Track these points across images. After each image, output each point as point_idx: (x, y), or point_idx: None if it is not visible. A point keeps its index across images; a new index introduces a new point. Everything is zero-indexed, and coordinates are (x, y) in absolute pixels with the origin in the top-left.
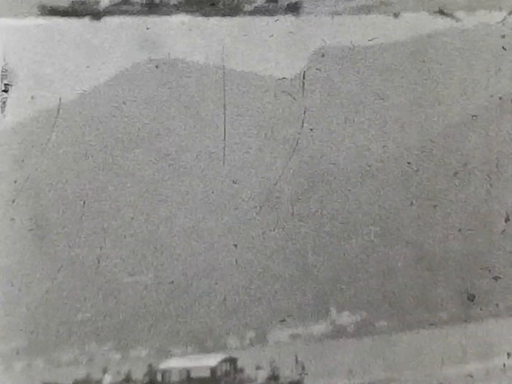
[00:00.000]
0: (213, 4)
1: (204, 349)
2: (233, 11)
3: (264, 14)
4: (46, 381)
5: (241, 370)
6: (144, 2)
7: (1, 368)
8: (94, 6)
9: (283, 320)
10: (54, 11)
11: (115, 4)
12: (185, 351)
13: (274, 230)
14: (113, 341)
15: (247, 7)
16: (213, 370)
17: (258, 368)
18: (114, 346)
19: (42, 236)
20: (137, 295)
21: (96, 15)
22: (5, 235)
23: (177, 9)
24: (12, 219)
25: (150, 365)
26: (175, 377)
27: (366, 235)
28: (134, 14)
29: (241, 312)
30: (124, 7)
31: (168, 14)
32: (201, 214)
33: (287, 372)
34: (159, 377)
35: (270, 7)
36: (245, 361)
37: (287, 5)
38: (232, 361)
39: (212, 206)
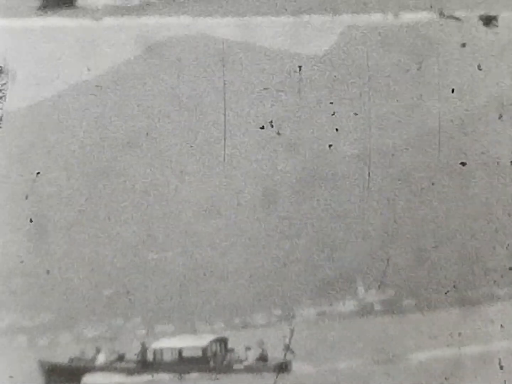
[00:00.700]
0: None
1: (230, 327)
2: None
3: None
4: (70, 356)
5: (231, 350)
6: None
7: (26, 344)
8: None
9: (310, 298)
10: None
11: None
12: (212, 328)
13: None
14: (140, 317)
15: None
16: (204, 350)
17: (247, 349)
18: (141, 322)
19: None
20: (163, 272)
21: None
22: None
23: None
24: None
25: (142, 344)
26: (167, 356)
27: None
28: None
29: (267, 290)
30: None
31: None
32: (219, 191)
33: (275, 353)
34: (150, 356)
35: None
36: (236, 341)
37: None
38: (222, 341)
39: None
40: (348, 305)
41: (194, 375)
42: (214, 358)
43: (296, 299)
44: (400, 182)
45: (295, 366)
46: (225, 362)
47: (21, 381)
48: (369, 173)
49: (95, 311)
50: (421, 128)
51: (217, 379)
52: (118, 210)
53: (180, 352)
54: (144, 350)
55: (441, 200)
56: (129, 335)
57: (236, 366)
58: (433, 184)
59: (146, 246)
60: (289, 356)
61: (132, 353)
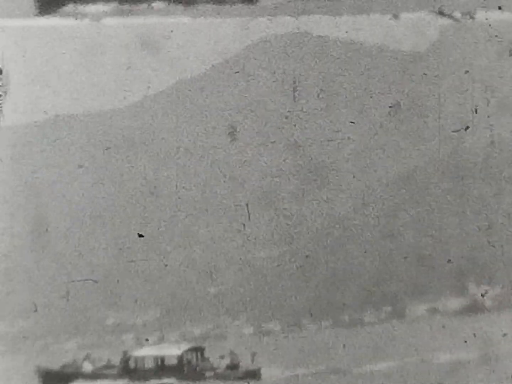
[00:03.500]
0: None
1: (339, 324)
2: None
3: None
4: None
5: (206, 359)
6: None
7: (133, 341)
8: None
9: (421, 295)
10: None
11: None
12: (319, 325)
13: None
14: (246, 314)
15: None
16: (179, 358)
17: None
18: (247, 319)
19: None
20: (271, 269)
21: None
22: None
23: None
24: None
25: (125, 352)
26: (147, 364)
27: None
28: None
29: (377, 287)
30: None
31: None
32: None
33: (244, 361)
34: (132, 364)
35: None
36: (211, 350)
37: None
38: (198, 350)
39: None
40: (458, 301)
41: (170, 381)
42: (188, 366)
43: (407, 296)
44: None
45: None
46: (198, 370)
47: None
48: None
49: (202, 309)
50: (420, 129)
51: None
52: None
53: (157, 360)
54: (126, 358)
55: None
56: (235, 332)
57: (207, 374)
58: None
59: (252, 244)
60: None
61: (116, 361)
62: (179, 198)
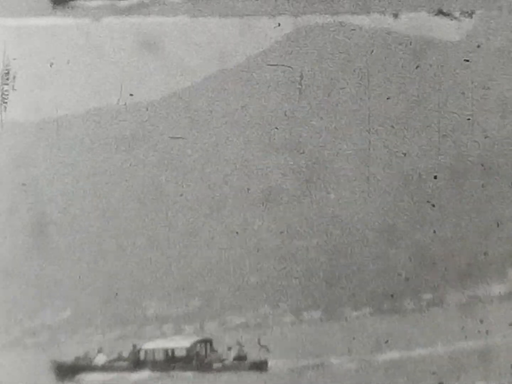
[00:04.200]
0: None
1: (379, 312)
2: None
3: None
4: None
5: (215, 350)
6: None
7: (173, 331)
8: None
9: (461, 282)
10: None
11: None
12: (361, 313)
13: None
14: (286, 303)
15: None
16: (188, 350)
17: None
18: (287, 309)
19: None
20: (308, 259)
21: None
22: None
23: None
24: None
25: (134, 345)
26: (156, 356)
27: None
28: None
29: (417, 275)
30: None
31: None
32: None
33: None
34: (142, 356)
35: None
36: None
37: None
38: (207, 341)
39: None
40: (498, 288)
41: (179, 372)
42: (197, 358)
43: (446, 283)
44: None
45: None
46: (206, 361)
47: None
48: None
49: (242, 299)
50: (420, 130)
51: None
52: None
53: (167, 352)
54: (136, 351)
55: None
56: (274, 321)
57: (215, 365)
58: None
59: (290, 234)
60: None
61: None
62: (204, 194)
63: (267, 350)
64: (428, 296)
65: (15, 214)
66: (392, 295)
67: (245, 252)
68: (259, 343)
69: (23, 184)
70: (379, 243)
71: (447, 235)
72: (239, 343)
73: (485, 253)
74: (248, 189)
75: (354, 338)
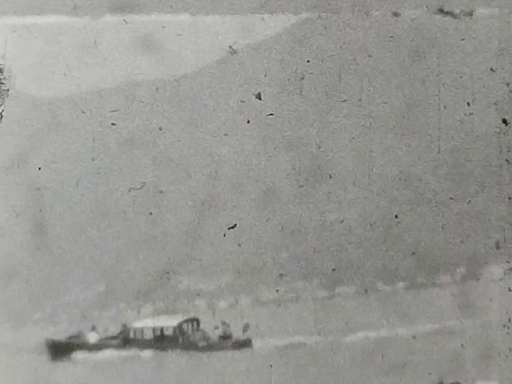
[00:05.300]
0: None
1: (414, 285)
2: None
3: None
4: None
5: (201, 329)
6: None
7: (204, 306)
8: None
9: (495, 256)
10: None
11: None
12: (394, 288)
13: None
14: (320, 278)
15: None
16: (174, 329)
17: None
18: (321, 283)
19: None
20: (341, 234)
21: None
22: None
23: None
24: None
25: (124, 325)
26: (145, 334)
27: None
28: None
29: (451, 248)
30: None
31: None
32: None
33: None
34: (132, 334)
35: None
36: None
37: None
38: (194, 320)
39: None
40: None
41: (166, 351)
42: (183, 336)
43: (482, 257)
44: None
45: None
46: (191, 340)
47: None
48: None
49: (275, 273)
50: (420, 131)
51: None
52: None
53: (155, 330)
54: (126, 329)
55: None
56: (308, 296)
57: (201, 344)
58: None
59: (323, 205)
60: None
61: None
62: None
63: (248, 328)
64: (462, 270)
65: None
66: (427, 269)
67: (278, 225)
68: (241, 322)
69: (23, 182)
70: (414, 215)
71: (478, 210)
72: (224, 323)
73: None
74: (247, 189)
75: (390, 312)
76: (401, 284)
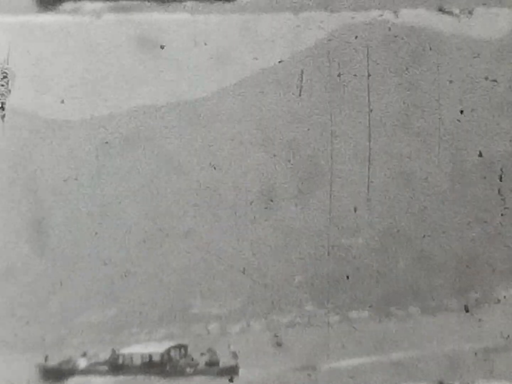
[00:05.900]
0: None
1: (425, 310)
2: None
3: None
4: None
5: (188, 356)
6: None
7: (216, 332)
8: None
9: (508, 280)
10: None
11: None
12: (406, 312)
13: None
14: (331, 302)
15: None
16: (162, 355)
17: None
18: (332, 307)
19: None
20: (353, 256)
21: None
22: None
23: None
24: None
25: (113, 350)
26: (135, 361)
27: None
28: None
29: (464, 274)
30: None
31: None
32: None
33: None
34: (120, 360)
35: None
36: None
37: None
38: (182, 347)
39: None
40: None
41: (153, 378)
42: (170, 363)
43: (495, 282)
44: None
45: None
46: (179, 367)
47: None
48: None
49: (287, 298)
50: (419, 131)
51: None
52: None
53: (143, 357)
54: (115, 355)
55: None
56: (321, 320)
57: (188, 370)
58: None
59: (338, 232)
60: None
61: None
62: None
63: (236, 355)
64: (475, 295)
65: (14, 212)
66: (438, 293)
67: (292, 250)
68: (229, 348)
69: (23, 182)
70: (429, 237)
71: (493, 234)
72: (210, 350)
73: (490, 258)
74: (246, 189)
75: (402, 337)
76: (411, 309)
